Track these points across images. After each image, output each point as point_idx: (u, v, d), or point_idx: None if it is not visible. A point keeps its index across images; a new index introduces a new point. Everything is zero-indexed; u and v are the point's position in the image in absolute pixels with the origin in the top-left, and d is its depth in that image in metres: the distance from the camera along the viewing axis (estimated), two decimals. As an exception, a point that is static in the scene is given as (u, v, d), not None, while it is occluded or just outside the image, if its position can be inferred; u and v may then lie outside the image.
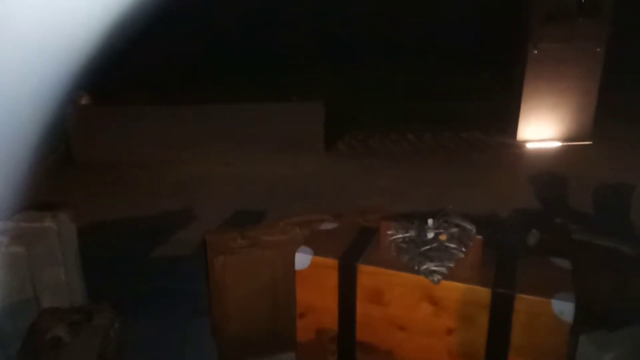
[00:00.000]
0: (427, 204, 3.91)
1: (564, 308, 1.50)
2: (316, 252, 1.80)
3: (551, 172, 4.81)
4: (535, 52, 5.33)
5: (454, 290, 1.61)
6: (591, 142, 5.56)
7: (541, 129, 5.61)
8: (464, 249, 1.65)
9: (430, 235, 1.70)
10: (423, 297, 1.66)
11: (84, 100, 5.05)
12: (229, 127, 5.12)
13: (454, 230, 1.69)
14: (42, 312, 1.84)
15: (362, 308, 1.76)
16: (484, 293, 1.58)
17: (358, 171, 4.94)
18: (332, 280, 1.78)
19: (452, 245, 1.65)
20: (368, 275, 1.73)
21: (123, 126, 5.02)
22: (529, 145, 5.56)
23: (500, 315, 1.57)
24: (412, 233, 1.75)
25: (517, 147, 5.55)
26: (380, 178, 4.65)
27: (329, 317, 1.81)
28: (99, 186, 4.46)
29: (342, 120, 6.15)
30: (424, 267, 1.62)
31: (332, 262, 1.77)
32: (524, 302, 1.54)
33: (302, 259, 1.80)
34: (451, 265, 1.62)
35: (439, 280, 1.60)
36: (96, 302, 2.00)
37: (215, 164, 4.96)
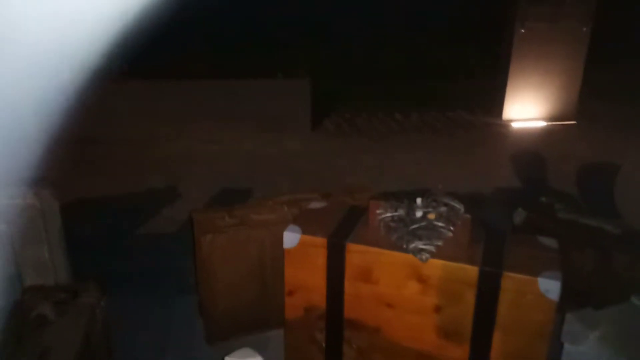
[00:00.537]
0: (414, 182, 3.92)
1: (550, 286, 1.51)
2: (305, 231, 1.80)
3: (536, 151, 4.85)
4: (522, 31, 5.32)
5: (441, 268, 1.62)
6: (576, 122, 5.62)
7: (527, 108, 5.64)
8: (452, 228, 1.66)
9: (419, 214, 1.71)
10: (411, 275, 1.67)
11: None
12: (215, 104, 5.05)
13: (443, 209, 1.70)
14: (26, 290, 1.81)
15: (350, 286, 1.77)
16: (471, 271, 1.59)
17: (345, 150, 4.92)
18: (320, 258, 1.78)
19: (440, 224, 1.66)
20: (356, 253, 1.73)
21: (106, 101, 4.91)
22: (514, 125, 5.59)
23: (487, 293, 1.59)
24: (400, 212, 1.75)
25: (502, 127, 5.58)
26: (367, 157, 4.65)
27: (317, 295, 1.82)
28: (82, 163, 4.38)
29: (329, 98, 6.11)
30: (412, 245, 1.62)
31: (321, 241, 1.77)
32: (511, 280, 1.56)
33: (291, 238, 1.79)
34: (439, 243, 1.63)
35: (427, 259, 1.61)
36: (82, 280, 1.97)
37: (200, 141, 4.90)
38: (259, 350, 2.14)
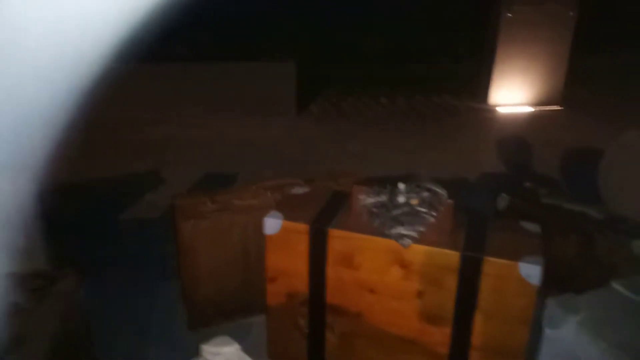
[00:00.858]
0: (399, 168, 3.91)
1: (531, 271, 1.51)
2: (286, 217, 1.77)
3: (522, 136, 4.87)
4: (509, 15, 5.29)
5: (423, 253, 1.62)
6: (561, 107, 5.63)
7: (512, 93, 5.64)
8: (434, 213, 1.65)
9: (402, 199, 1.69)
10: (393, 260, 1.66)
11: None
12: (198, 87, 4.97)
13: (425, 194, 1.68)
14: (7, 276, 1.76)
15: (333, 272, 1.76)
16: (453, 256, 1.59)
17: (330, 134, 4.89)
18: (302, 244, 1.76)
19: (422, 210, 1.64)
20: (339, 239, 1.71)
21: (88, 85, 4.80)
22: (500, 110, 5.60)
23: (469, 278, 1.59)
24: (383, 197, 1.73)
25: (488, 111, 5.58)
26: (353, 142, 4.62)
27: (300, 281, 1.80)
28: (62, 146, 4.28)
29: (315, 82, 6.05)
30: (395, 231, 1.61)
31: (303, 227, 1.75)
32: (492, 265, 1.55)
33: (272, 224, 1.77)
34: (421, 229, 1.62)
35: (408, 244, 1.60)
36: (59, 267, 1.93)
37: (183, 125, 4.83)
38: (242, 336, 2.12)
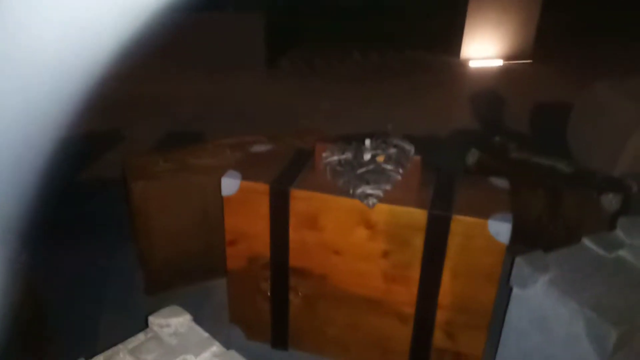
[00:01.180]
0: (371, 125, 3.80)
1: (499, 229, 1.46)
2: (245, 177, 1.66)
3: (492, 90, 4.80)
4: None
5: (389, 213, 1.54)
6: (532, 61, 5.57)
7: (484, 46, 5.55)
8: (401, 171, 1.56)
9: (367, 157, 1.60)
10: (358, 221, 1.58)
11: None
12: (158, 40, 4.68)
13: (392, 151, 1.59)
14: None
15: (295, 234, 1.67)
16: (419, 215, 1.52)
17: (301, 91, 4.72)
18: (263, 206, 1.66)
19: (389, 167, 1.55)
20: (301, 200, 1.62)
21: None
22: (471, 64, 5.50)
23: (436, 237, 1.53)
24: (348, 155, 1.63)
25: (460, 66, 5.48)
26: (324, 99, 4.47)
27: (261, 243, 1.72)
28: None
29: (285, 36, 5.80)
30: (359, 190, 1.52)
31: (263, 187, 1.64)
32: (460, 224, 1.49)
33: (230, 184, 1.66)
34: (387, 187, 1.53)
35: (374, 205, 1.51)
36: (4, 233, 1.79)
37: (144, 81, 4.58)
38: (203, 300, 2.06)
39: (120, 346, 1.16)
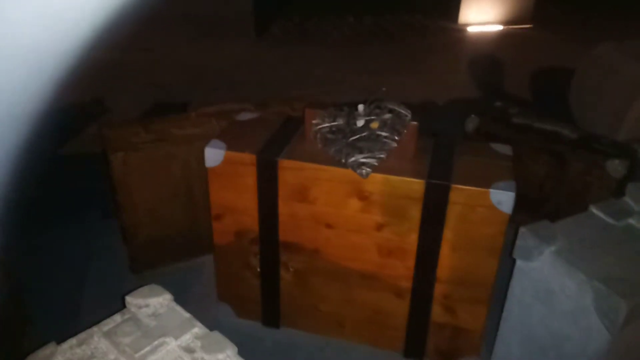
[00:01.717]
0: (365, 92, 3.66)
1: (502, 198, 1.36)
2: (230, 147, 1.55)
3: (492, 56, 4.65)
4: None
5: (384, 183, 1.44)
6: (531, 25, 5.40)
7: (483, 11, 5.36)
8: (396, 138, 1.45)
9: (360, 123, 1.48)
10: (351, 192, 1.48)
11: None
12: (143, 6, 4.48)
13: (387, 116, 1.48)
14: None
15: (285, 206, 1.57)
16: (416, 185, 1.42)
17: (292, 58, 4.55)
18: (250, 177, 1.56)
19: (383, 134, 1.44)
20: (290, 170, 1.51)
21: None
22: (469, 29, 5.32)
23: (434, 208, 1.43)
24: (340, 122, 1.52)
25: (458, 31, 5.30)
26: (317, 66, 4.31)
27: (249, 217, 1.62)
28: None
29: (276, 0, 5.58)
30: (352, 159, 1.42)
31: (249, 158, 1.53)
32: (460, 193, 1.39)
33: (214, 155, 1.55)
34: (382, 156, 1.43)
35: (367, 174, 1.41)
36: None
37: (128, 48, 4.38)
38: (191, 278, 1.97)
39: (94, 328, 1.07)
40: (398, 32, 5.27)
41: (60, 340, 1.06)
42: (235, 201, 1.61)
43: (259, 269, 1.69)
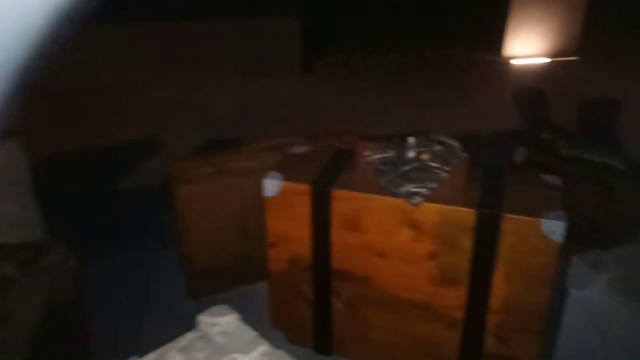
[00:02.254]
0: (410, 126, 3.73)
1: (554, 227, 1.38)
2: (286, 178, 1.64)
3: (538, 88, 4.63)
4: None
5: (435, 212, 1.48)
6: (578, 58, 5.36)
7: (528, 44, 5.36)
8: (447, 168, 1.50)
9: (411, 154, 1.54)
10: (402, 221, 1.52)
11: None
12: (196, 47, 4.77)
13: (437, 148, 1.53)
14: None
15: (337, 235, 1.63)
16: (468, 214, 1.45)
17: (338, 94, 4.69)
18: (304, 207, 1.63)
19: (434, 165, 1.50)
20: (343, 200, 1.58)
21: (80, 46, 4.62)
22: (515, 62, 5.34)
23: (486, 237, 1.46)
24: (390, 153, 1.59)
25: (502, 64, 5.32)
26: (362, 100, 4.43)
27: (302, 246, 1.69)
28: (57, 114, 4.14)
29: (321, 38, 5.79)
30: (404, 189, 1.47)
31: (304, 188, 1.61)
32: (511, 223, 1.42)
33: (271, 185, 1.64)
34: (433, 186, 1.48)
35: (419, 203, 1.46)
36: (49, 237, 1.83)
37: (182, 87, 4.65)
38: (244, 304, 2.04)
39: (169, 345, 1.15)
40: (441, 65, 5.34)
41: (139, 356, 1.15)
42: (290, 230, 1.68)
43: (311, 297, 1.74)
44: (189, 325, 1.29)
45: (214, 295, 2.02)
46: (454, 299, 1.57)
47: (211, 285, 2.02)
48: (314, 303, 1.75)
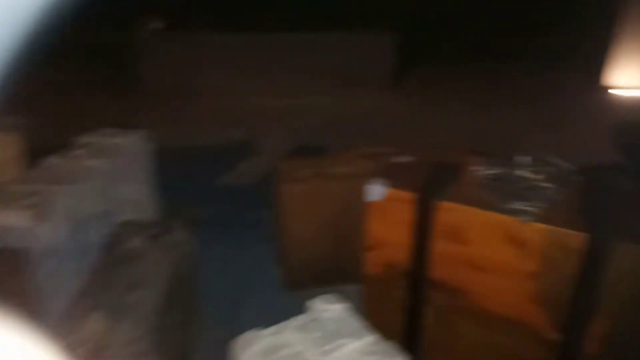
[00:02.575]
0: (504, 146, 3.68)
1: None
2: (391, 184, 1.72)
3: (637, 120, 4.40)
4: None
5: (543, 232, 1.49)
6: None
7: (631, 74, 5.09)
8: (559, 190, 1.51)
9: (522, 172, 1.57)
10: (508, 238, 1.55)
11: (155, 25, 5.04)
12: (291, 57, 4.98)
13: (550, 169, 1.55)
14: (121, 224, 1.89)
15: (437, 245, 1.68)
16: (577, 238, 1.45)
17: (428, 109, 4.70)
18: (406, 214, 1.70)
19: (546, 185, 1.51)
20: (447, 211, 1.63)
21: (190, 53, 5.00)
22: (616, 91, 5.09)
23: (594, 263, 1.45)
24: (500, 170, 1.62)
25: (601, 92, 5.09)
26: (453, 117, 4.41)
27: (400, 251, 1.75)
28: (165, 112, 4.49)
29: (413, 53, 5.83)
30: (513, 206, 1.50)
31: (408, 196, 1.68)
32: (623, 251, 1.40)
33: (376, 191, 1.73)
34: (543, 205, 1.49)
35: (528, 222, 1.48)
36: (169, 218, 2.03)
37: (275, 95, 4.86)
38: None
39: (284, 324, 1.26)
40: (538, 88, 5.20)
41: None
42: (390, 235, 1.76)
43: (404, 303, 1.80)
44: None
45: (307, 290, 2.13)
46: (551, 320, 1.56)
47: (304, 281, 2.13)
48: (406, 309, 1.81)
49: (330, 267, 2.15)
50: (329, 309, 1.27)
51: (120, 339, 1.33)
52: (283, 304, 2.11)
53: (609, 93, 5.09)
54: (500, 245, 1.57)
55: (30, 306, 1.52)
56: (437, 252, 1.70)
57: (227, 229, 2.70)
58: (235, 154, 3.71)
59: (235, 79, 4.96)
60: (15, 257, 1.48)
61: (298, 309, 1.34)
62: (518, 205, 1.49)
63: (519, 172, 1.57)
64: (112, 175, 2.09)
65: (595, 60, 5.22)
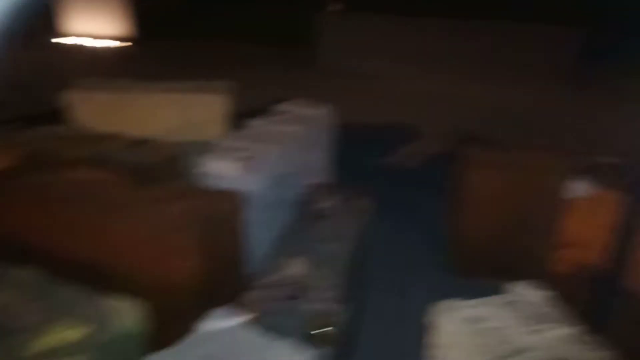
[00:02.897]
0: None
1: None
2: (595, 183, 1.63)
3: None
4: None
5: None
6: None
7: None
8: None
9: None
10: None
11: (337, 6, 5.25)
12: (462, 45, 4.85)
13: None
14: (314, 185, 2.05)
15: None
16: None
17: (612, 111, 4.26)
18: (608, 215, 1.60)
19: None
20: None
21: (364, 35, 5.13)
22: None
23: None
24: None
25: None
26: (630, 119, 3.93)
27: (595, 251, 1.66)
28: (340, 92, 4.59)
29: (597, 51, 5.31)
30: None
31: (614, 196, 1.58)
32: None
33: (579, 188, 1.65)
34: None
35: None
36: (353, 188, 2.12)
37: (442, 82, 4.76)
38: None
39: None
40: None
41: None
42: (587, 235, 1.67)
43: (589, 303, 1.70)
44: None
45: (478, 278, 2.10)
46: None
47: (479, 268, 2.10)
48: (589, 310, 1.71)
49: (508, 259, 2.08)
50: (532, 294, 1.27)
51: (321, 283, 1.45)
52: (450, 289, 2.10)
53: None
54: None
55: (241, 240, 1.73)
56: (637, 255, 1.58)
57: (394, 205, 2.74)
58: (399, 135, 3.76)
59: (405, 63, 4.98)
60: (230, 198, 1.69)
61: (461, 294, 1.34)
62: None
63: None
64: (304, 141, 2.27)
65: None
